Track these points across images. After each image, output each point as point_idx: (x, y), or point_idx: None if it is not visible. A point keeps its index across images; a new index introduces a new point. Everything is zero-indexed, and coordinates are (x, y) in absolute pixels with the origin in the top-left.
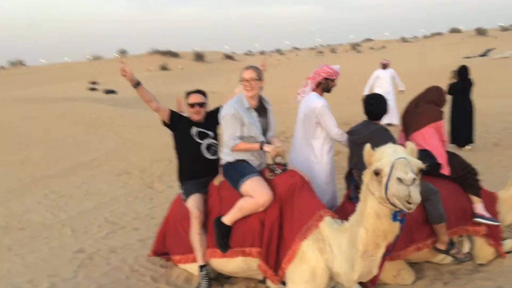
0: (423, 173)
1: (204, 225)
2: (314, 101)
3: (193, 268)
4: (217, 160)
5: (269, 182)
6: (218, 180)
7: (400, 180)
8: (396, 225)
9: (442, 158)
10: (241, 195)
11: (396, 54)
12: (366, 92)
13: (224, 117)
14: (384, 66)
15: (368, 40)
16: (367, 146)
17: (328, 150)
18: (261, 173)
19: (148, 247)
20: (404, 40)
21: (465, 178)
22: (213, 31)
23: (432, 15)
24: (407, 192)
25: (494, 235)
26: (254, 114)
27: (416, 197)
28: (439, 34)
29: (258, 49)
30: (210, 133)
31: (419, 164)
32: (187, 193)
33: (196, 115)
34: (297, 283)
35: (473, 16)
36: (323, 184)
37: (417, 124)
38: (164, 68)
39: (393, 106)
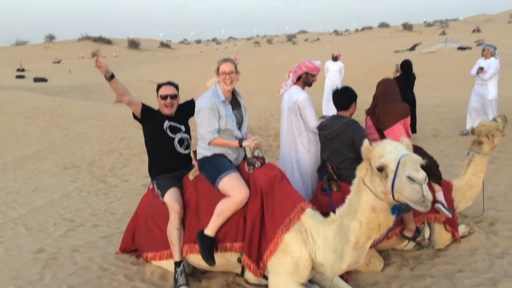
0: None
1: (182, 221)
2: (296, 94)
3: (167, 264)
4: (189, 154)
5: (248, 176)
6: (193, 174)
7: (412, 179)
8: (392, 218)
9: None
10: (218, 191)
11: (333, 46)
12: None
13: (201, 110)
14: (335, 58)
15: (303, 32)
16: (365, 142)
17: (314, 141)
18: (238, 168)
19: (114, 244)
20: (337, 33)
21: (429, 168)
22: (147, 18)
23: (363, 9)
24: (421, 191)
25: (451, 221)
26: (229, 107)
27: (429, 195)
28: (369, 28)
29: (194, 38)
30: (182, 127)
31: (421, 160)
32: (163, 188)
33: (168, 109)
34: (280, 275)
35: (400, 11)
36: (311, 173)
37: (388, 122)
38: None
39: None
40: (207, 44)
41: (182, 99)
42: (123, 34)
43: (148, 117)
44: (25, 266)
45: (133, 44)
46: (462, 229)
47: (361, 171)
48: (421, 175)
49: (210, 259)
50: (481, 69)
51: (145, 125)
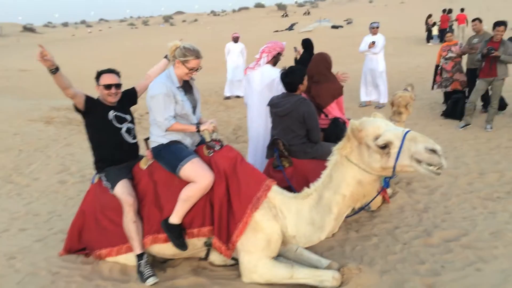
0: (337, 139)
1: (137, 212)
2: (273, 72)
3: (126, 258)
4: (137, 143)
5: (208, 159)
6: (145, 163)
7: (432, 150)
8: (376, 188)
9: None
10: (178, 178)
11: (214, 27)
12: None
13: (155, 96)
14: (235, 40)
15: (180, 12)
16: (355, 122)
17: None
18: (196, 153)
19: (52, 246)
20: (214, 13)
21: None
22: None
23: None
24: (440, 160)
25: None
26: (183, 92)
27: (445, 163)
28: (246, 8)
29: (60, 21)
30: (128, 116)
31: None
32: (113, 181)
33: (112, 97)
34: (253, 252)
35: None
36: None
37: (323, 102)
38: None
39: (241, 79)
40: (76, 27)
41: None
42: None
43: (92, 109)
44: None
45: None
46: (388, 191)
47: (344, 149)
48: (438, 146)
49: (182, 245)
50: (373, 43)
51: (88, 117)
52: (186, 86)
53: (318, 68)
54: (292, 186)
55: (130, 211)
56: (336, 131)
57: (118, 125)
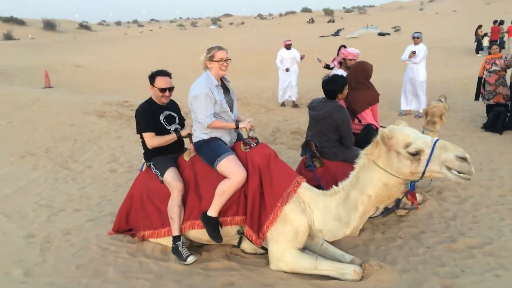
0: (368, 144)
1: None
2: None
3: (166, 241)
4: (182, 138)
5: (245, 155)
6: (188, 155)
7: (462, 158)
8: (401, 191)
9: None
10: (216, 172)
11: (259, 31)
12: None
13: (197, 96)
14: (288, 47)
15: (227, 15)
16: (385, 130)
17: None
18: (234, 149)
19: (102, 226)
20: (261, 17)
21: None
22: None
23: None
24: (470, 167)
25: (411, 192)
26: (221, 91)
27: (473, 170)
28: (292, 12)
29: (113, 20)
30: (176, 118)
31: None
32: (161, 168)
33: (165, 99)
34: (281, 242)
35: None
36: None
37: (358, 108)
38: (8, 37)
39: (294, 85)
40: (128, 26)
41: (120, 82)
42: (34, 14)
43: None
44: (22, 251)
45: (49, 26)
46: (418, 197)
47: (372, 154)
48: (468, 155)
49: (217, 238)
50: (413, 53)
51: None
52: (224, 88)
53: (356, 76)
54: (322, 185)
55: (178, 196)
56: (367, 137)
57: (167, 127)
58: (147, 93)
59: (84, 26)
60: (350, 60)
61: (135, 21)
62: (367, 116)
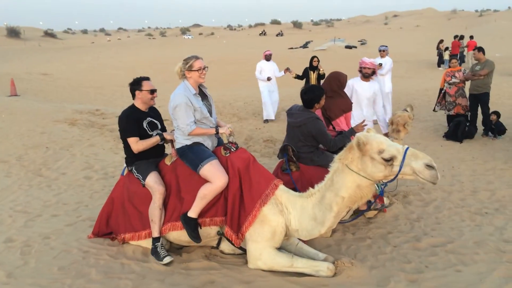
0: (340, 148)
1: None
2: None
3: (146, 243)
4: (163, 144)
5: (225, 159)
6: (170, 160)
7: (430, 166)
8: (372, 192)
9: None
10: (198, 175)
11: (230, 41)
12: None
13: (177, 106)
14: (268, 58)
15: (197, 25)
16: (361, 137)
17: None
18: (215, 153)
19: (81, 230)
20: (231, 28)
21: None
22: (23, 4)
23: (255, 5)
24: (437, 174)
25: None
26: (199, 99)
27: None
28: (262, 24)
29: (80, 27)
30: (158, 124)
31: None
32: (143, 172)
33: (153, 101)
34: (259, 242)
35: (290, 9)
36: None
37: (333, 115)
38: None
39: (276, 100)
40: (95, 35)
41: (88, 91)
42: None
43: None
44: (2, 254)
45: (13, 33)
46: (385, 201)
47: (346, 159)
48: (434, 163)
49: (196, 238)
50: (380, 65)
51: None
52: (202, 95)
53: (331, 85)
54: (297, 188)
55: (160, 199)
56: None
57: (150, 132)
58: (116, 102)
59: (49, 34)
60: (364, 68)
61: (102, 30)
62: (341, 123)
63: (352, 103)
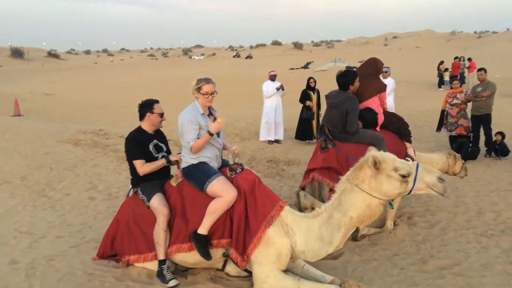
0: (370, 125)
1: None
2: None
3: (152, 265)
4: (169, 165)
5: (231, 180)
6: (175, 181)
7: (441, 179)
8: (381, 211)
9: (381, 118)
10: (206, 195)
11: (230, 62)
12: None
13: (183, 123)
14: (273, 78)
15: (199, 46)
16: (377, 155)
17: None
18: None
19: (86, 252)
20: (232, 48)
21: (400, 128)
22: (27, 25)
23: (256, 27)
24: (446, 187)
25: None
26: (208, 119)
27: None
28: (263, 45)
29: (82, 48)
30: (164, 146)
31: None
32: (148, 194)
33: (160, 124)
34: (264, 264)
35: (290, 31)
36: None
37: (368, 94)
38: None
39: (280, 121)
40: (98, 55)
41: (91, 111)
42: (1, 41)
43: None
44: (7, 276)
45: (17, 53)
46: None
47: (356, 179)
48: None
49: (207, 255)
50: None
51: None
52: (211, 116)
53: (367, 69)
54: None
55: (164, 221)
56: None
57: (155, 155)
58: (119, 122)
59: (52, 54)
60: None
61: (105, 50)
62: (373, 102)
63: (386, 85)
